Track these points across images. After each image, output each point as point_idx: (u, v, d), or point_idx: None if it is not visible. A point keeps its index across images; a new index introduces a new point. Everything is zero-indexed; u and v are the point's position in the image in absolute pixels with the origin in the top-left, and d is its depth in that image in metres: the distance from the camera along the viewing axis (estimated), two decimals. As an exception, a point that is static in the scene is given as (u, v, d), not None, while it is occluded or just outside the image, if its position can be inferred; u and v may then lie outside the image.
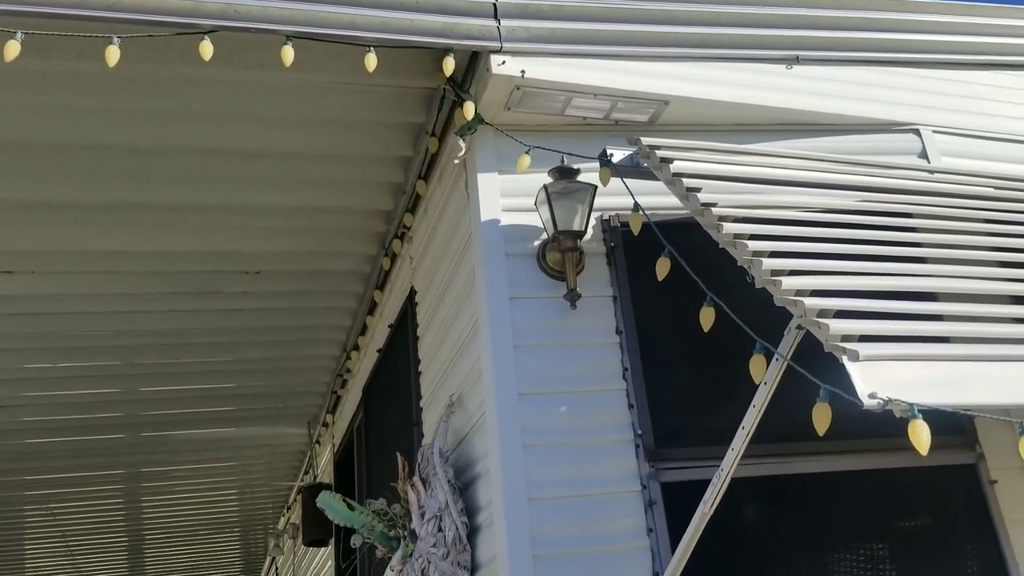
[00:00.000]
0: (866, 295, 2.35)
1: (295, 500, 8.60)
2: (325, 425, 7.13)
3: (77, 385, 5.97)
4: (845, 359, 2.02)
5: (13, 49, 2.82)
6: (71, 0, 2.92)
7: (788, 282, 2.31)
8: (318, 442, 7.53)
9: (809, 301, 2.22)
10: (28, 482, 8.00)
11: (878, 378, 1.98)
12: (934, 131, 3.89)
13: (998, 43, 4.14)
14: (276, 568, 10.29)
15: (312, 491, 6.85)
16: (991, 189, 3.31)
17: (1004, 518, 3.19)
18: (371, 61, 3.15)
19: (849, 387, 2.01)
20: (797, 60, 3.75)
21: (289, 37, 3.08)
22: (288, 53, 3.06)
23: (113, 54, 2.89)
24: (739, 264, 2.50)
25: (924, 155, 3.83)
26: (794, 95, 3.70)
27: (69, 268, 4.54)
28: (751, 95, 3.65)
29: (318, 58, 3.28)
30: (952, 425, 3.11)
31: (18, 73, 2.92)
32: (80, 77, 3.29)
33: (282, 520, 9.70)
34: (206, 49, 2.98)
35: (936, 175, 3.46)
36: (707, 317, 2.56)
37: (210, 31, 3.02)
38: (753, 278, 2.43)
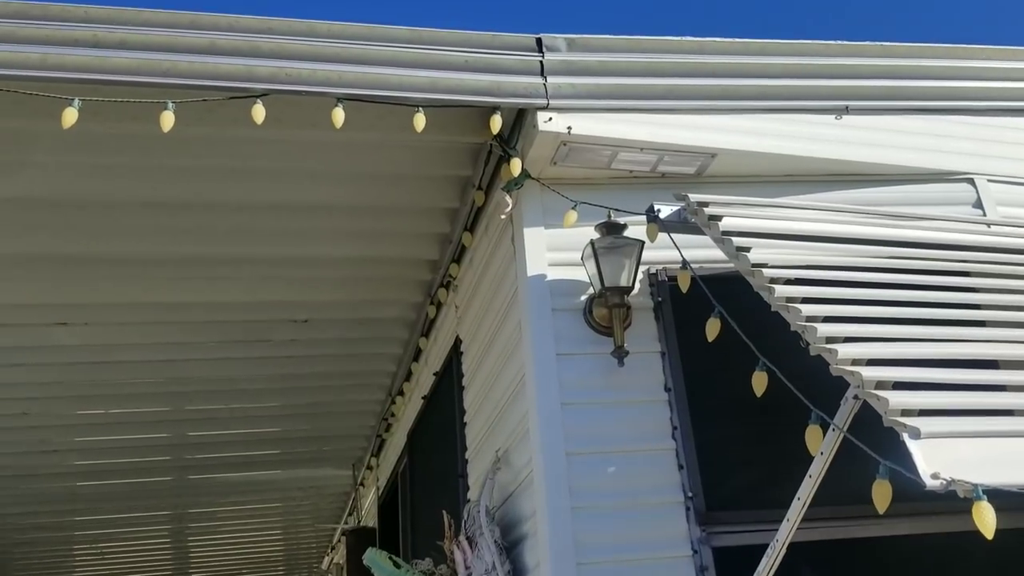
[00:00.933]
0: (925, 363, 2.29)
1: (339, 541, 8.61)
2: (369, 468, 7.14)
3: (127, 430, 6.08)
4: (906, 436, 1.97)
5: (71, 116, 2.89)
6: (127, 67, 2.99)
7: (844, 350, 2.25)
8: (362, 484, 7.55)
9: (866, 372, 2.17)
10: (78, 523, 8.15)
11: (940, 457, 1.92)
12: (989, 180, 3.80)
13: (1054, 89, 4.05)
14: (320, 608, 10.29)
15: (356, 534, 6.87)
16: (1052, 242, 3.22)
17: (1073, 586, 3.07)
18: (420, 121, 3.18)
19: (910, 464, 1.95)
20: (846, 110, 3.70)
21: (339, 99, 3.12)
22: (339, 115, 3.10)
23: (168, 119, 2.95)
24: (792, 328, 2.45)
25: (979, 204, 3.75)
26: (844, 145, 3.65)
27: (122, 319, 4.63)
28: (800, 146, 3.61)
29: (367, 117, 3.31)
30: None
31: (75, 135, 2.99)
32: (135, 138, 3.36)
33: (326, 560, 9.72)
34: (258, 112, 3.04)
35: (993, 228, 3.38)
36: (759, 382, 2.52)
37: (262, 94, 3.07)
38: (807, 343, 2.38)
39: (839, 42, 3.72)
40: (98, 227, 3.88)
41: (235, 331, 4.92)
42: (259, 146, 3.53)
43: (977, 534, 3.04)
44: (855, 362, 2.23)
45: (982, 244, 3.13)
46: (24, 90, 2.93)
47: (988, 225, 3.42)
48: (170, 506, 8.12)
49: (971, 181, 3.79)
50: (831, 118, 3.69)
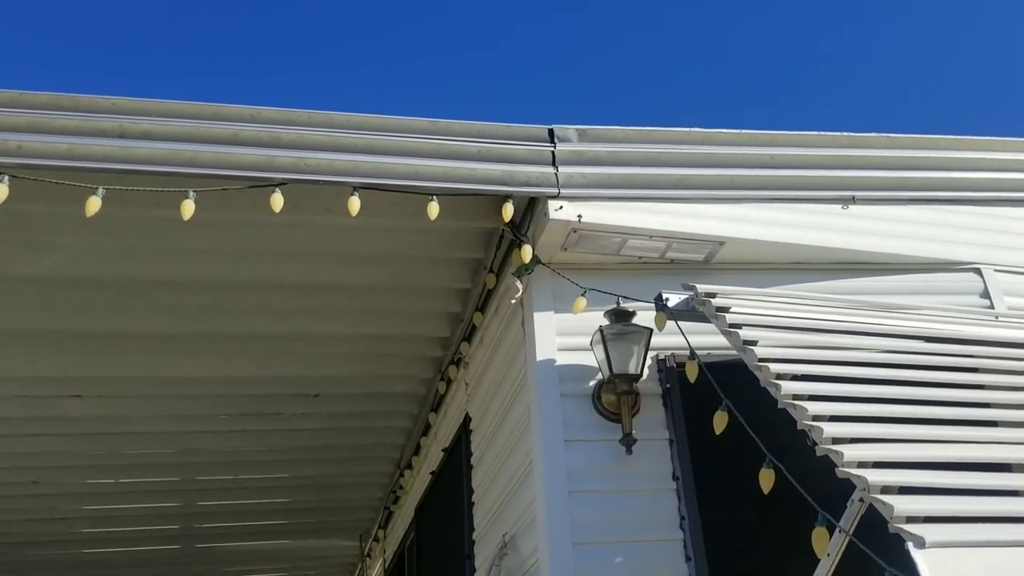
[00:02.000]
0: (932, 465, 2.30)
1: (344, 613, 8.50)
2: (376, 539, 7.10)
3: (136, 499, 6.09)
4: (911, 545, 1.97)
5: (94, 205, 2.98)
6: (151, 157, 3.08)
7: (850, 452, 2.27)
8: (369, 555, 7.49)
9: (872, 475, 2.18)
10: (84, 590, 8.07)
11: (946, 567, 1.92)
12: (996, 270, 3.84)
13: (1060, 180, 4.11)
14: None
15: (362, 607, 6.79)
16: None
17: None
18: (433, 210, 3.26)
19: (915, 573, 1.95)
20: (853, 200, 3.76)
21: (356, 188, 3.20)
22: (355, 203, 3.18)
23: (188, 208, 3.03)
24: (799, 427, 2.47)
25: (986, 294, 3.78)
26: (851, 235, 3.70)
27: (136, 392, 4.69)
28: (807, 235, 3.66)
29: (382, 203, 3.39)
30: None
31: (97, 219, 3.06)
32: (155, 222, 3.44)
33: (331, 631, 9.56)
34: (277, 201, 3.12)
35: (1001, 319, 3.40)
36: (767, 479, 2.53)
37: (281, 183, 3.16)
38: (814, 443, 2.40)
39: (845, 134, 3.80)
40: (116, 305, 3.95)
41: (247, 404, 4.96)
42: (275, 230, 3.60)
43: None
44: (861, 464, 2.24)
45: (990, 337, 3.15)
46: (50, 179, 3.02)
47: (996, 317, 3.45)
48: (176, 574, 8.06)
49: (978, 271, 3.82)
50: (838, 208, 3.75)
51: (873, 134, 3.84)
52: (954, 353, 2.96)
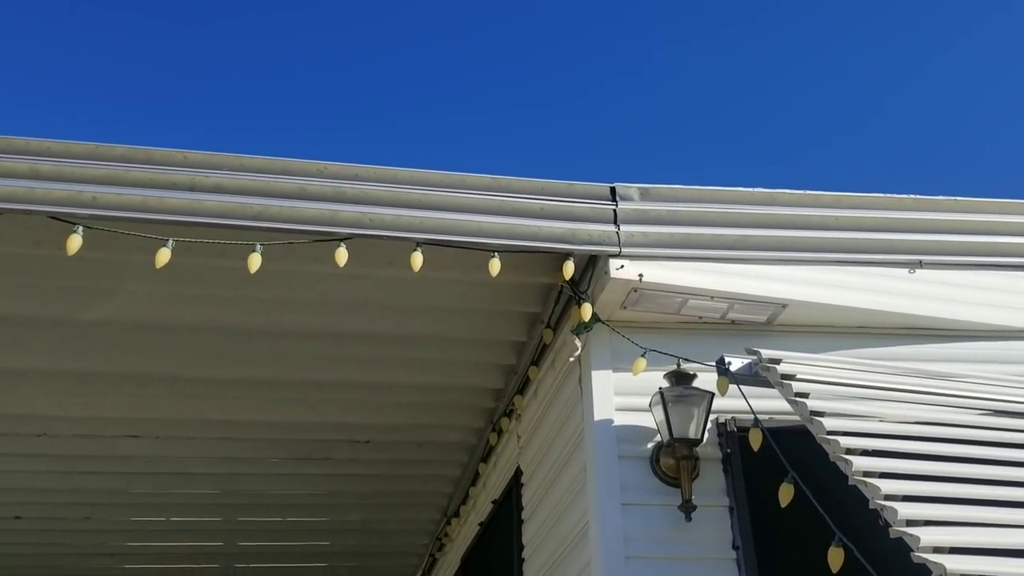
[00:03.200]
0: (1009, 552, 2.22)
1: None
2: (420, 587, 7.03)
3: (180, 538, 6.13)
4: (995, 641, 1.89)
5: (164, 256, 3.04)
6: (221, 210, 3.13)
7: (926, 537, 2.20)
8: (411, 602, 7.42)
9: (951, 563, 2.11)
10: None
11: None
12: (1069, 338, 3.73)
13: None
14: None
15: (403, 655, 6.72)
16: None
17: None
18: (495, 266, 3.26)
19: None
20: (920, 264, 3.69)
21: (419, 243, 3.22)
22: (417, 259, 3.19)
23: (255, 261, 3.07)
24: (871, 506, 2.40)
25: (1059, 364, 3.67)
26: (918, 300, 3.63)
27: (190, 434, 4.73)
28: (872, 299, 3.60)
29: (444, 257, 3.40)
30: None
31: (164, 268, 3.11)
32: (220, 271, 3.48)
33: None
34: (341, 256, 3.15)
35: (1075, 392, 3.29)
36: (836, 558, 2.46)
37: (346, 238, 3.19)
38: (887, 523, 2.33)
39: (912, 196, 3.74)
40: (177, 349, 4.00)
41: (297, 448, 4.98)
42: (336, 281, 3.62)
43: None
44: (937, 549, 2.18)
45: (1065, 412, 3.05)
46: (123, 230, 3.08)
47: (1069, 389, 3.33)
48: (216, 614, 8.08)
49: (1052, 339, 3.72)
50: (904, 271, 3.68)
51: (940, 197, 3.78)
52: (1029, 429, 2.87)
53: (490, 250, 3.29)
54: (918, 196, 3.76)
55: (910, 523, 2.26)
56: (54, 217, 3.05)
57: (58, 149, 3.10)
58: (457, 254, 3.40)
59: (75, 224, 3.02)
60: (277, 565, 6.80)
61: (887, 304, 3.60)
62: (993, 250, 3.78)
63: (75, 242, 2.99)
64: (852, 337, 3.62)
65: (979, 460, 2.61)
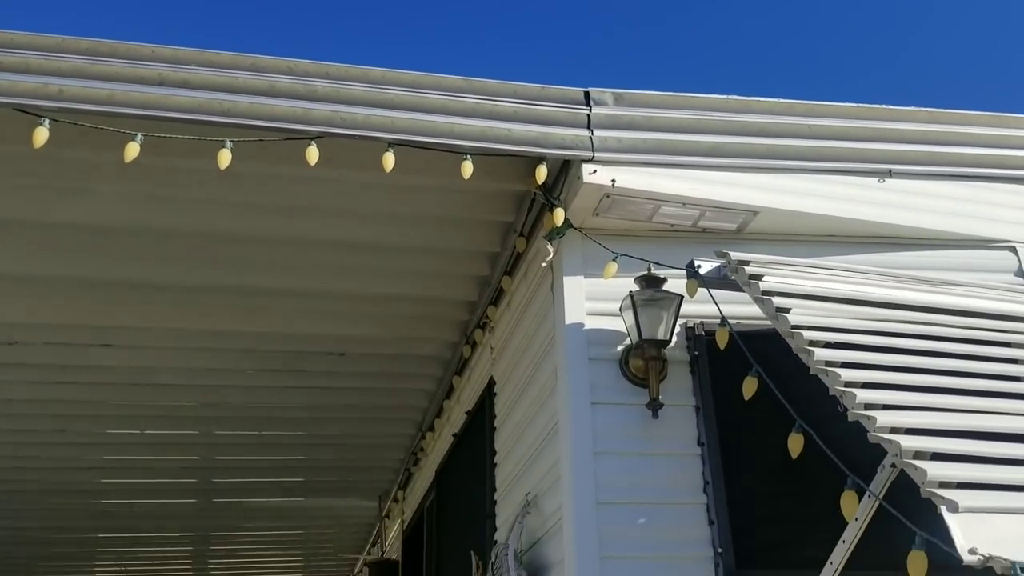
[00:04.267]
0: (965, 434, 2.30)
1: (360, 572, 8.62)
2: (396, 500, 7.16)
3: (158, 451, 6.17)
4: (943, 509, 1.97)
5: (133, 151, 3.00)
6: (189, 105, 3.09)
7: (883, 418, 2.27)
8: (387, 516, 7.57)
9: (905, 441, 2.18)
10: (103, 539, 8.24)
11: (978, 532, 1.92)
12: (1032, 249, 3.80)
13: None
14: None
15: (379, 567, 6.88)
16: (1094, 316, 3.21)
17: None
18: (467, 169, 3.25)
19: (947, 538, 1.96)
20: (890, 174, 3.73)
21: (391, 144, 3.20)
22: (389, 159, 3.18)
23: (225, 157, 3.04)
24: (831, 393, 2.47)
25: (1021, 273, 3.74)
26: (886, 209, 3.67)
27: (164, 343, 4.73)
28: (842, 207, 3.63)
29: (416, 161, 3.38)
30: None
31: (134, 166, 3.08)
32: (191, 172, 3.47)
33: (346, 591, 9.71)
34: (312, 154, 3.12)
35: (1035, 298, 3.37)
36: (796, 444, 2.53)
37: (317, 137, 3.16)
38: (846, 408, 2.40)
39: (885, 106, 3.75)
40: (149, 254, 3.98)
41: (272, 360, 5.00)
42: (309, 184, 3.62)
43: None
44: (894, 430, 2.24)
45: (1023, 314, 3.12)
46: (90, 124, 3.04)
47: (1030, 295, 3.41)
48: (194, 527, 8.19)
49: (1013, 249, 3.78)
50: (874, 181, 3.71)
51: (913, 108, 3.80)
52: (988, 328, 2.94)
53: (462, 152, 3.28)
54: (891, 107, 3.78)
55: (868, 407, 2.33)
56: (20, 109, 3.00)
57: (22, 41, 3.03)
58: (429, 158, 3.39)
59: (41, 117, 2.98)
60: (254, 480, 6.89)
61: (856, 212, 3.64)
62: (962, 161, 3.82)
63: (41, 135, 2.95)
64: (821, 245, 3.66)
65: (937, 353, 2.68)
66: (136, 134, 3.02)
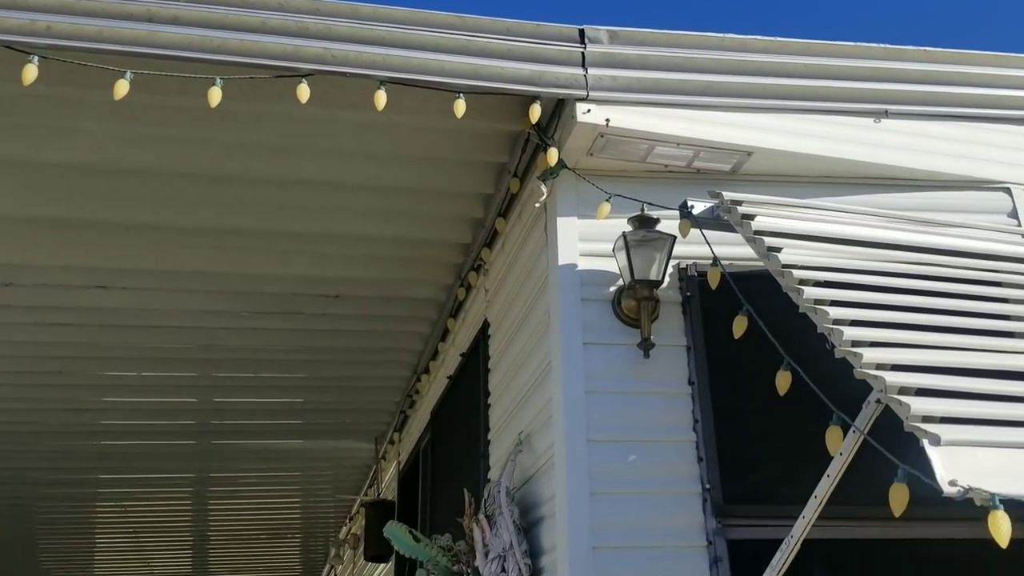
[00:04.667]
0: (950, 371, 2.32)
1: (358, 512, 8.75)
2: (392, 442, 7.25)
3: (156, 393, 6.21)
4: (926, 442, 2.01)
5: (122, 88, 2.98)
6: (179, 42, 3.06)
7: (869, 355, 2.29)
8: (384, 458, 7.66)
9: (890, 376, 2.20)
10: (103, 480, 8.35)
11: (959, 464, 1.96)
12: (1026, 190, 3.80)
13: (1097, 101, 4.03)
14: (335, 576, 10.47)
15: (376, 506, 6.99)
16: (1084, 257, 3.22)
17: (1085, 599, 3.08)
18: (460, 107, 3.23)
19: (928, 470, 1.99)
20: (886, 114, 3.71)
21: (382, 82, 3.18)
22: (381, 97, 3.16)
23: (216, 95, 3.02)
24: (819, 331, 2.49)
25: (1015, 214, 3.75)
26: (881, 149, 3.66)
27: (159, 285, 4.74)
28: (837, 148, 3.62)
29: (409, 100, 3.36)
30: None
31: (124, 105, 3.06)
32: (182, 111, 3.44)
33: (344, 530, 9.87)
34: (303, 92, 3.10)
35: (1026, 238, 3.38)
36: (783, 381, 2.56)
37: (308, 74, 3.13)
38: (833, 346, 2.42)
39: (881, 45, 3.72)
40: (141, 195, 3.97)
41: (267, 302, 5.02)
42: (301, 124, 3.59)
43: (991, 543, 3.07)
44: (879, 366, 2.27)
45: (1016, 255, 3.14)
46: (79, 60, 3.00)
47: (1023, 235, 3.42)
48: (193, 469, 8.28)
49: (1007, 191, 3.78)
50: (869, 121, 3.69)
51: (909, 47, 3.76)
52: (978, 268, 2.96)
53: (455, 91, 3.26)
54: (887, 46, 3.74)
55: (855, 344, 2.35)
56: (8, 47, 2.97)
57: (7, -24, 2.99)
58: (422, 97, 3.36)
59: (30, 54, 2.95)
60: (253, 422, 6.95)
61: (851, 153, 3.63)
62: (958, 101, 3.80)
63: (30, 72, 2.92)
64: (816, 186, 3.65)
65: (927, 292, 2.70)
66: (125, 72, 2.99)
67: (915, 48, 3.74)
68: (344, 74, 3.18)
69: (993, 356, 2.46)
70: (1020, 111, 3.89)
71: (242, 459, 8.00)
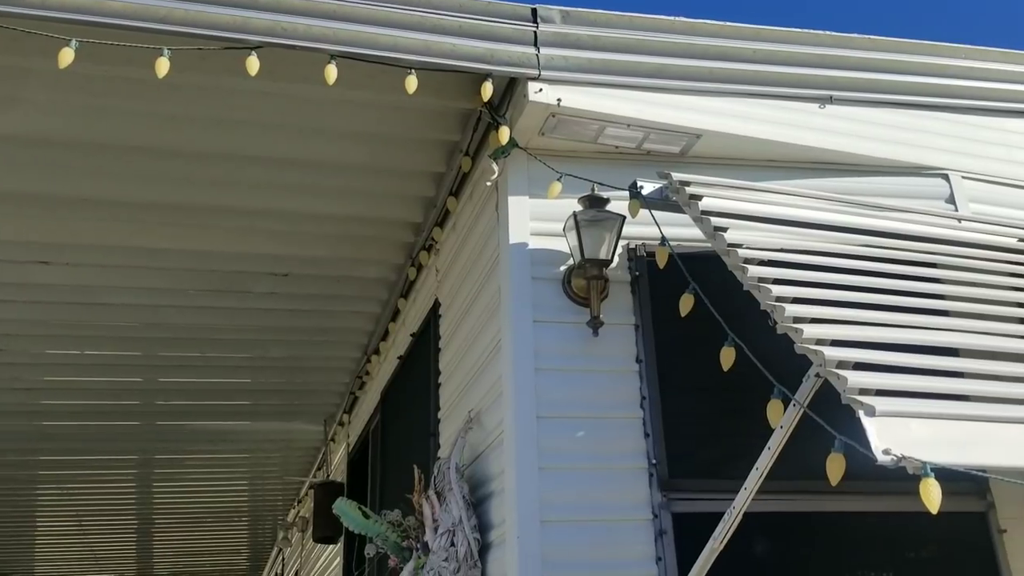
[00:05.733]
0: (886, 347, 2.40)
1: (306, 495, 8.71)
2: (341, 424, 7.22)
3: (99, 372, 6.10)
4: (861, 413, 2.07)
5: (67, 56, 2.91)
6: (125, 11, 3.00)
7: (809, 330, 2.35)
8: (333, 440, 7.63)
9: (829, 351, 2.27)
10: (44, 462, 8.17)
11: (893, 434, 2.03)
12: (963, 177, 3.92)
13: (1031, 92, 4.17)
14: (283, 559, 10.41)
15: (324, 488, 6.95)
16: (1016, 241, 3.34)
17: (1011, 568, 3.22)
18: (412, 83, 3.22)
19: (864, 440, 2.06)
20: (830, 100, 3.79)
21: (333, 56, 3.16)
22: (331, 71, 3.13)
23: (163, 65, 2.97)
24: (762, 308, 2.55)
25: (952, 200, 3.86)
26: (826, 134, 3.74)
27: (103, 261, 4.66)
28: (783, 132, 3.69)
29: (359, 76, 3.34)
30: (963, 474, 3.14)
31: (69, 75, 3.00)
32: (128, 82, 3.38)
33: (292, 513, 9.81)
34: (252, 64, 3.06)
35: (964, 223, 3.49)
36: (727, 357, 2.62)
37: (257, 47, 3.10)
38: (775, 323, 2.48)
39: (827, 32, 3.80)
40: (86, 168, 3.89)
41: (216, 280, 4.96)
42: (250, 97, 3.56)
43: (922, 514, 3.17)
44: (819, 342, 2.33)
45: (952, 238, 3.24)
46: (23, 28, 2.93)
47: (959, 220, 3.53)
48: (137, 451, 8.13)
49: (946, 177, 3.90)
50: (815, 107, 3.77)
51: (854, 35, 3.85)
52: (916, 250, 3.05)
53: (407, 67, 3.25)
54: (833, 33, 3.82)
55: (797, 320, 2.41)
56: (-53, 13, 2.89)
57: (-54, -61, 2.90)
58: (373, 72, 3.35)
59: (-31, 20, 2.87)
60: (200, 403, 6.86)
61: (797, 138, 3.71)
62: (900, 89, 3.90)
63: (-31, 39, 2.85)
64: (762, 170, 3.72)
65: (867, 272, 2.78)
66: (71, 40, 2.93)
67: (860, 36, 3.83)
68: (294, 47, 3.15)
69: (925, 333, 2.54)
70: (958, 99, 4.01)
71: (188, 441, 7.89)
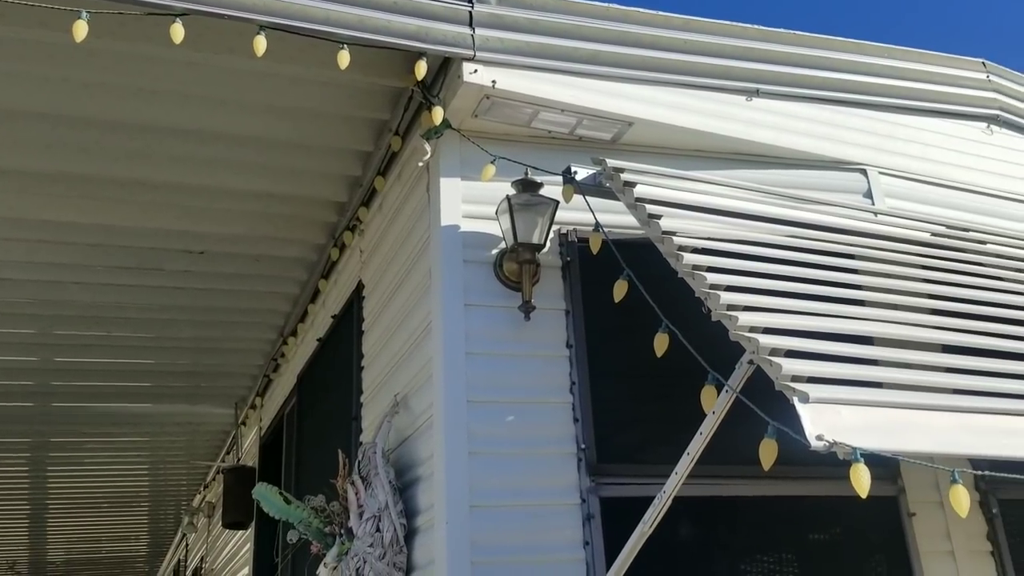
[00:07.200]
0: (814, 335, 2.46)
1: (214, 479, 8.48)
2: (253, 407, 7.05)
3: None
4: (795, 400, 2.12)
5: (-25, 14, 2.73)
6: (40, -32, 2.83)
7: (743, 318, 2.39)
8: (244, 423, 7.45)
9: (763, 339, 2.31)
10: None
11: (825, 421, 2.08)
12: (880, 172, 4.05)
13: (945, 92, 4.34)
14: (187, 545, 10.13)
15: (235, 473, 6.78)
16: (929, 235, 3.48)
17: (920, 550, 3.36)
18: (344, 58, 3.14)
19: (797, 427, 2.10)
20: (757, 93, 3.86)
21: (262, 27, 3.04)
22: (260, 43, 3.02)
23: (81, 29, 2.81)
24: (697, 295, 2.58)
25: (869, 194, 3.99)
26: (752, 127, 3.81)
27: (4, 234, 4.40)
28: (712, 123, 3.75)
29: (289, 48, 3.24)
30: (877, 458, 3.26)
31: (-26, 36, 2.82)
32: (41, 45, 3.19)
33: (198, 498, 9.55)
34: (177, 32, 2.92)
35: (880, 217, 3.61)
36: (661, 343, 2.64)
37: (182, 13, 2.96)
38: (710, 310, 2.51)
39: (755, 26, 3.86)
40: (-12, 135, 3.66)
41: (127, 257, 4.75)
42: (172, 67, 3.41)
43: (834, 497, 3.27)
44: (753, 329, 2.37)
45: (868, 231, 3.35)
46: (-77, -20, 2.73)
47: (875, 214, 3.66)
48: (31, 433, 7.75)
49: (864, 172, 4.03)
50: (743, 99, 3.84)
51: (782, 30, 3.93)
52: (837, 241, 3.14)
53: (339, 41, 3.16)
54: (761, 27, 3.89)
55: (731, 307, 2.45)
56: None
57: None
58: (303, 46, 3.25)
59: None
60: (101, 384, 6.58)
61: (725, 129, 3.77)
62: (823, 84, 4.00)
63: None
64: (690, 160, 3.77)
65: (794, 263, 2.85)
66: (-24, -4, 2.75)
67: (787, 31, 3.91)
68: (221, 16, 3.02)
69: (850, 323, 2.62)
70: (878, 97, 4.15)
71: (86, 423, 7.56)
